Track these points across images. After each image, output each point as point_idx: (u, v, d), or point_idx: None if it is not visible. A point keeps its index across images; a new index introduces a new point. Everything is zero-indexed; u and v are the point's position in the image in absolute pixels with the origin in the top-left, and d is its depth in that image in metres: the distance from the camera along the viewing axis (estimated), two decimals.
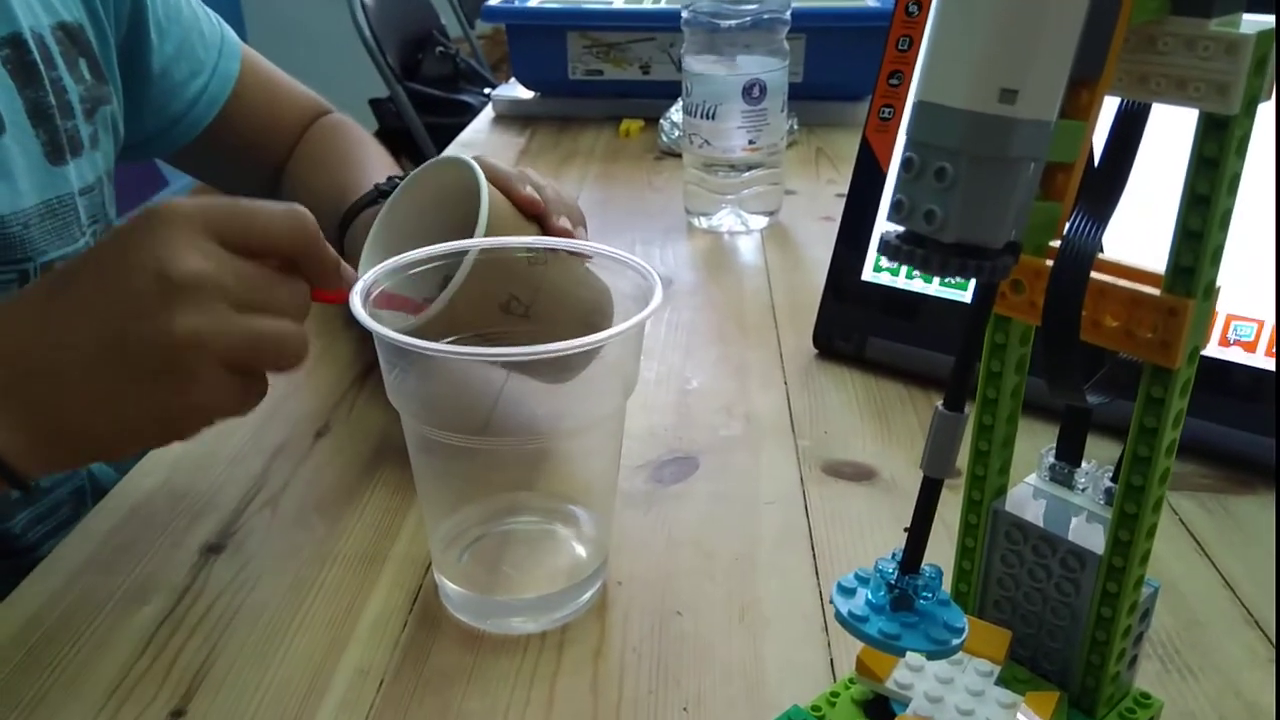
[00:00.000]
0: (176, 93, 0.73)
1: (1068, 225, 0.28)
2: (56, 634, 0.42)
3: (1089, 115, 0.25)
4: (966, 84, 0.23)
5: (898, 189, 0.25)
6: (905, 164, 0.25)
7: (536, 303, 0.46)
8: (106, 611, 0.43)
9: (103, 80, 0.67)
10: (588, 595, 0.44)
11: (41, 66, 0.61)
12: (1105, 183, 0.29)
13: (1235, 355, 0.51)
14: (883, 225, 0.61)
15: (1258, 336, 0.51)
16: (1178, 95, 0.27)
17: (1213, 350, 0.52)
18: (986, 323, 0.29)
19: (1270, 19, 0.26)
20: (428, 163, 0.54)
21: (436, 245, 0.44)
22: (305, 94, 0.83)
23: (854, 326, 0.63)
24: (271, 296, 0.41)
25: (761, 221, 0.86)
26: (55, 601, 0.44)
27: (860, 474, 0.53)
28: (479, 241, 0.45)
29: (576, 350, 0.37)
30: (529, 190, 0.51)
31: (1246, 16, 0.26)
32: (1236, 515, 0.49)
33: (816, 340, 0.65)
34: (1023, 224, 0.25)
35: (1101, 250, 0.31)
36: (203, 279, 0.39)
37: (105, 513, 0.50)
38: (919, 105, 0.24)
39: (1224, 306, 0.51)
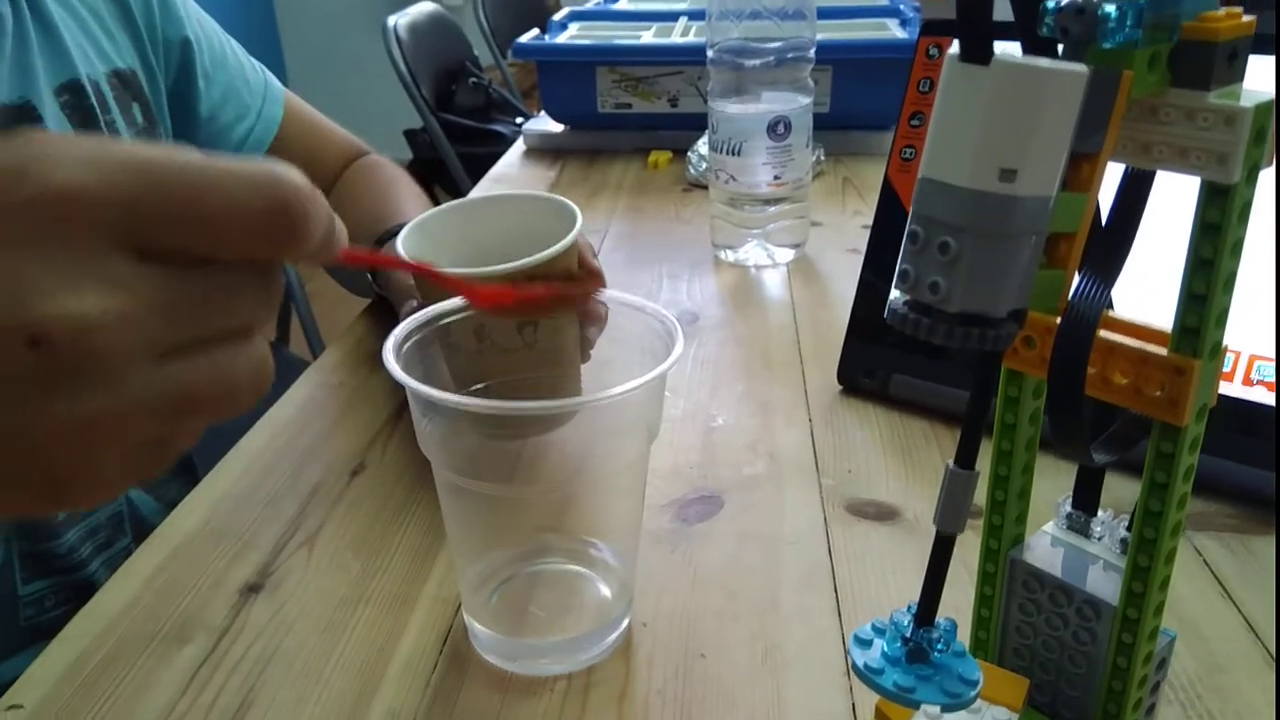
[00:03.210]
0: (223, 136, 0.76)
1: (1073, 288, 0.29)
2: (102, 674, 0.44)
3: (1090, 187, 0.26)
4: (968, 164, 0.24)
5: (904, 259, 0.26)
6: (911, 237, 0.26)
7: (541, 340, 0.47)
8: (149, 651, 0.45)
9: (154, 124, 0.70)
10: (613, 637, 0.45)
11: (98, 111, 0.64)
12: (1111, 245, 0.30)
13: (1259, 395, 0.51)
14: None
15: None
16: (1180, 164, 0.27)
17: (1236, 390, 0.52)
18: (993, 387, 0.30)
19: (1268, 92, 0.27)
20: (520, 191, 0.58)
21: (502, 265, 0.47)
22: (344, 136, 0.86)
23: (878, 363, 0.63)
24: (221, 319, 0.28)
25: (788, 254, 0.87)
26: (100, 642, 0.46)
27: (883, 513, 0.53)
28: (539, 258, 0.49)
29: (606, 400, 0.38)
30: (596, 263, 0.57)
31: (1245, 88, 0.27)
32: (1260, 556, 0.49)
33: (841, 377, 0.65)
34: (1026, 292, 0.26)
35: (1111, 307, 0.31)
36: (110, 338, 0.25)
37: (148, 553, 0.52)
38: (923, 181, 0.25)
39: (1247, 347, 0.52)
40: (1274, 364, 0.51)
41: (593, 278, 0.44)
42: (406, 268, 0.38)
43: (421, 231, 0.56)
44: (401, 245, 0.54)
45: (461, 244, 0.57)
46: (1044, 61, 0.24)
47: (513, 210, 0.59)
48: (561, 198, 0.57)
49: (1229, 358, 0.52)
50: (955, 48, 0.25)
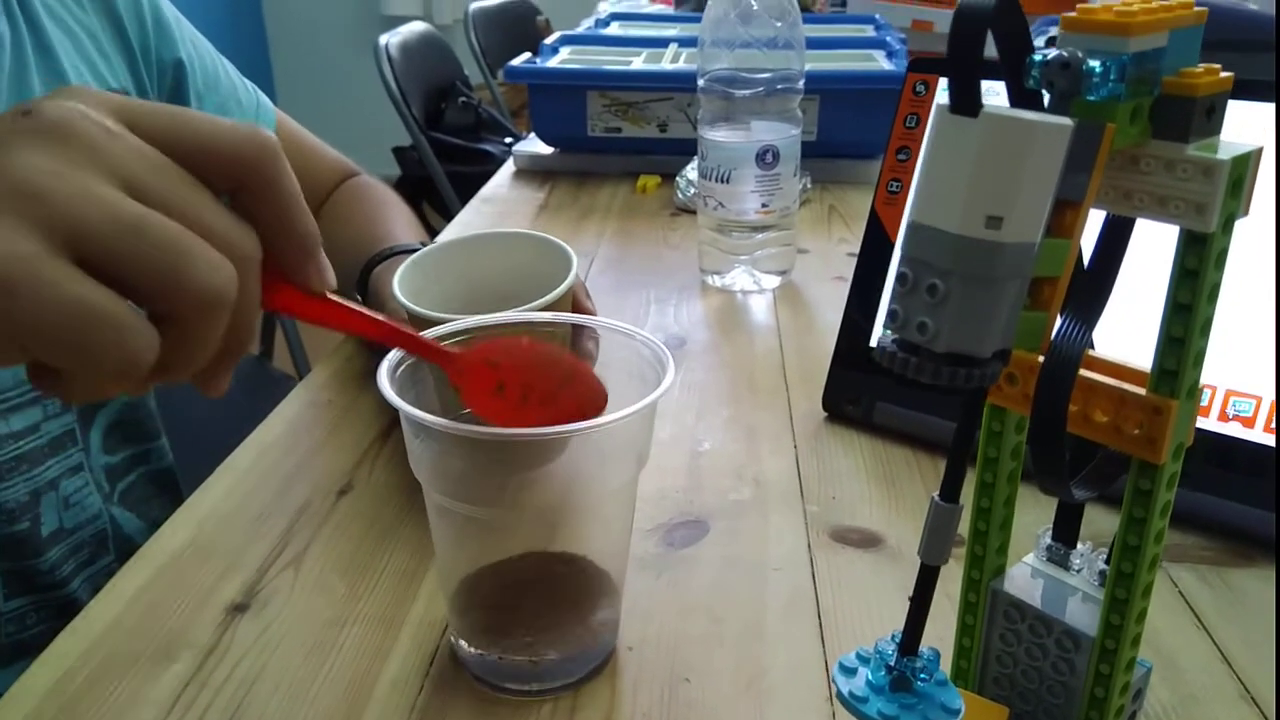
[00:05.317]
0: None
1: (1056, 329, 0.30)
2: (88, 692, 0.44)
3: (1073, 234, 0.27)
4: (955, 210, 0.25)
5: (893, 300, 0.27)
6: (900, 279, 0.27)
7: None
8: (135, 670, 0.45)
9: None
10: (599, 660, 0.45)
11: None
12: (1093, 287, 0.31)
13: (1234, 430, 0.52)
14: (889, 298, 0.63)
15: (1256, 412, 0.52)
16: (1159, 212, 0.28)
17: (1212, 425, 0.53)
18: (977, 423, 0.31)
19: (1246, 144, 0.28)
20: (517, 230, 0.61)
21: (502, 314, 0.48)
22: (335, 157, 0.87)
23: (862, 391, 0.64)
24: (196, 203, 0.29)
25: (774, 281, 0.88)
26: (85, 660, 0.46)
27: (866, 540, 0.54)
28: (538, 305, 0.51)
29: (597, 428, 0.39)
30: (590, 303, 0.59)
31: (1223, 140, 0.28)
32: (1236, 589, 0.50)
33: (825, 404, 0.66)
34: (1011, 333, 0.27)
35: (1092, 347, 0.32)
36: (88, 128, 0.28)
37: (133, 571, 0.52)
38: (912, 225, 0.26)
39: (1223, 382, 0.53)
40: (1275, 402, 0.52)
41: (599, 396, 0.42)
42: (414, 348, 0.40)
43: (417, 268, 0.57)
44: (398, 283, 0.55)
45: (457, 281, 0.58)
46: (1030, 114, 0.25)
47: (509, 249, 0.60)
48: (557, 240, 0.58)
49: (1205, 393, 0.53)
50: (944, 97, 0.26)
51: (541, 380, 0.40)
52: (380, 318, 0.37)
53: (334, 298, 0.35)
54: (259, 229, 0.31)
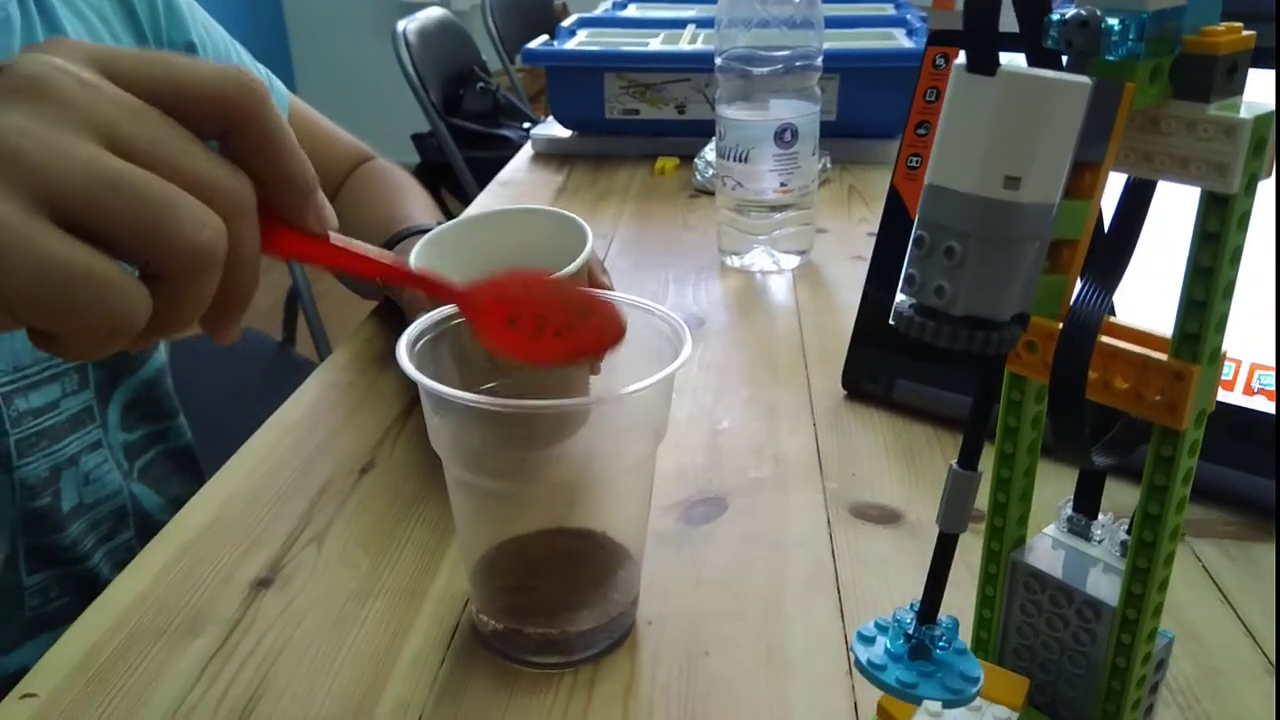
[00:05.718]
0: None
1: (1075, 294, 0.29)
2: (114, 665, 0.44)
3: (1092, 195, 0.27)
4: (973, 171, 0.25)
5: (910, 264, 0.27)
6: (917, 242, 0.26)
7: None
8: (161, 644, 0.46)
9: None
10: (619, 634, 0.45)
11: None
12: (1113, 252, 0.30)
13: (1260, 404, 0.52)
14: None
15: None
16: (1180, 173, 0.28)
17: (1236, 398, 0.52)
18: (996, 390, 0.31)
19: (1269, 104, 0.27)
20: (533, 206, 0.60)
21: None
22: (350, 141, 0.87)
23: (882, 369, 0.64)
24: (175, 150, 0.28)
25: (793, 261, 0.88)
26: (112, 634, 0.46)
27: (886, 516, 0.54)
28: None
29: (614, 400, 0.39)
30: (606, 278, 0.59)
31: (1245, 100, 0.28)
32: (1260, 563, 0.49)
33: (845, 382, 0.66)
34: (1030, 297, 0.27)
35: (1113, 314, 0.32)
36: (65, 83, 0.27)
37: (158, 548, 0.52)
38: (930, 188, 0.26)
39: (1247, 355, 0.52)
40: (1274, 373, 0.51)
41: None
42: (422, 285, 0.38)
43: (434, 246, 0.57)
44: (414, 260, 0.55)
45: (474, 258, 0.58)
46: (1048, 73, 0.24)
47: (525, 225, 0.60)
48: (573, 215, 0.58)
49: (1230, 366, 0.52)
50: (962, 58, 0.25)
51: (556, 312, 0.38)
52: (386, 257, 0.36)
53: (336, 238, 0.34)
54: (252, 173, 0.30)
